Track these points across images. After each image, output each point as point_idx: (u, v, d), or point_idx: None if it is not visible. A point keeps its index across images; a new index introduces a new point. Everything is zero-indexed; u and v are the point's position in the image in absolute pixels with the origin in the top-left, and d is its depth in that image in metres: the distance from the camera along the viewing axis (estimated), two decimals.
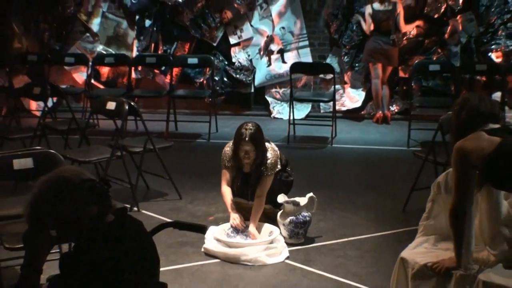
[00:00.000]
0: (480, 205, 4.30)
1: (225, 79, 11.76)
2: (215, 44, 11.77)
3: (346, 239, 6.47)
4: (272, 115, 11.56)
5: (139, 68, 11.64)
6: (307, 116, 11.31)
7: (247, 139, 6.18)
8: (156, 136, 8.07)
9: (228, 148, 6.46)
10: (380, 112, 10.98)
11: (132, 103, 7.63)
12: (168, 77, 11.27)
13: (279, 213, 6.36)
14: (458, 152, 4.18)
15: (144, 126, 7.55)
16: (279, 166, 6.48)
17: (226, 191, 6.42)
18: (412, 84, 10.82)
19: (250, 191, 6.50)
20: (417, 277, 4.41)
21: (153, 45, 11.90)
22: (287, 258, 6.01)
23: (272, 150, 6.42)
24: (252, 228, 6.20)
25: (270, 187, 6.40)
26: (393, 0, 10.78)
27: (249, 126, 6.28)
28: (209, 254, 6.07)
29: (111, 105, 7.46)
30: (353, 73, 11.52)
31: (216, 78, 11.48)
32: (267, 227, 6.31)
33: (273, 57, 11.67)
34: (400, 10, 10.76)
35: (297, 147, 9.45)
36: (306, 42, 11.66)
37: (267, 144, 6.45)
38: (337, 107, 10.65)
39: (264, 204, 6.34)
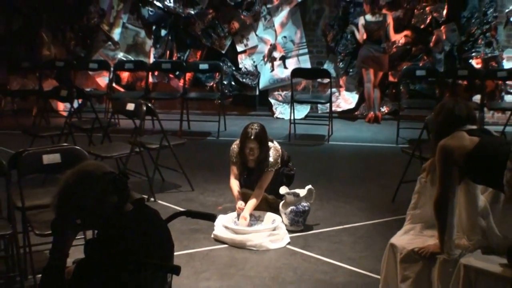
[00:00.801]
0: (459, 198, 4.31)
1: (232, 83, 11.74)
2: (223, 52, 11.75)
3: (341, 227, 6.47)
4: (275, 115, 11.55)
5: (156, 73, 11.63)
6: (306, 116, 11.29)
7: (252, 137, 6.22)
8: (170, 134, 8.06)
9: (235, 146, 6.49)
10: (372, 112, 10.97)
11: (149, 105, 7.62)
12: (182, 81, 11.28)
13: (281, 203, 6.36)
14: (442, 150, 4.20)
15: (160, 125, 7.57)
16: (279, 164, 6.49)
17: (234, 184, 6.46)
18: (401, 88, 10.80)
19: (254, 183, 6.53)
20: (405, 261, 4.43)
21: (168, 52, 11.89)
22: (288, 243, 6.01)
23: (274, 150, 6.44)
24: (245, 212, 6.22)
25: (273, 180, 6.44)
26: (383, 12, 10.79)
27: (255, 126, 6.32)
28: (218, 240, 6.08)
29: (130, 106, 7.47)
30: (348, 78, 11.51)
31: (225, 82, 11.48)
32: (270, 215, 6.31)
33: (276, 63, 11.66)
34: (390, 21, 10.75)
35: (297, 144, 9.43)
36: (306, 50, 11.64)
37: (270, 143, 6.47)
38: (333, 108, 10.66)
39: (261, 196, 6.36)
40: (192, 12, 11.61)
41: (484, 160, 4.05)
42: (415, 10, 11.10)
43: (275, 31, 11.59)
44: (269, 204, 6.49)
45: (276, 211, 6.40)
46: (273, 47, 11.64)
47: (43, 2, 11.86)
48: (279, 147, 6.56)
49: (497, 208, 4.25)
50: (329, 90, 10.58)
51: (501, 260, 3.96)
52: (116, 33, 11.90)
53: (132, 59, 11.73)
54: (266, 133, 6.41)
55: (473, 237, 4.27)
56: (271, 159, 6.37)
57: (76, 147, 5.45)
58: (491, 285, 3.96)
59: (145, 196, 6.80)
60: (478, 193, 4.31)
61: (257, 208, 6.37)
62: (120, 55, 11.85)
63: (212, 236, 6.14)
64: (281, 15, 11.55)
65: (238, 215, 6.29)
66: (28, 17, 11.93)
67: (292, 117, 10.22)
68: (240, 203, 6.30)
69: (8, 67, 11.55)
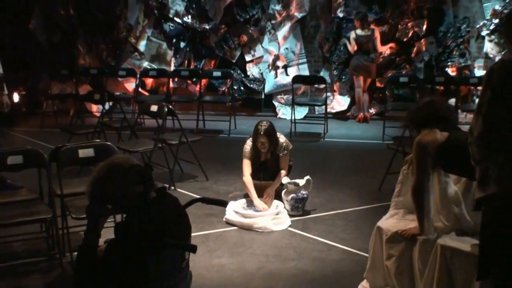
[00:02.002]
0: (433, 186, 4.30)
1: (241, 88, 11.72)
2: (234, 61, 11.73)
3: (334, 212, 6.46)
4: (278, 116, 11.51)
5: (176, 79, 11.61)
6: (305, 117, 11.25)
7: (262, 133, 6.25)
8: (188, 132, 8.06)
9: (247, 146, 6.48)
10: (361, 113, 10.94)
11: (170, 106, 7.62)
12: (198, 86, 11.25)
13: (283, 192, 6.37)
14: (418, 144, 4.21)
15: (179, 124, 7.56)
16: (291, 147, 6.54)
17: (248, 181, 6.37)
18: (386, 92, 10.75)
19: (263, 174, 6.53)
20: (389, 242, 4.43)
21: (186, 61, 11.88)
22: (289, 226, 6.02)
23: (283, 138, 6.50)
24: (271, 189, 6.36)
25: (273, 167, 6.47)
26: (371, 27, 10.76)
27: (264, 123, 6.34)
28: (229, 223, 6.09)
29: (154, 108, 7.48)
30: (341, 84, 11.48)
31: (235, 87, 11.45)
32: (274, 202, 6.32)
33: (279, 71, 11.63)
34: (377, 35, 10.71)
35: (297, 140, 9.40)
36: (304, 60, 11.61)
37: (278, 134, 6.50)
38: (328, 110, 10.62)
39: (284, 175, 6.41)
40: (207, 27, 11.60)
41: (453, 151, 4.05)
42: (399, 26, 11.07)
43: (278, 43, 11.57)
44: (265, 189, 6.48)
45: (279, 198, 6.41)
46: (277, 57, 11.61)
47: (79, 19, 11.87)
48: (285, 138, 6.58)
49: (470, 197, 4.23)
50: (325, 94, 10.56)
51: (473, 241, 3.96)
52: (142, 45, 11.89)
53: (155, 67, 11.72)
54: (274, 129, 6.42)
55: (448, 221, 4.26)
56: (283, 144, 6.44)
57: (107, 143, 5.46)
58: (464, 262, 3.95)
59: (167, 185, 6.82)
60: (449, 181, 4.31)
61: (260, 194, 6.40)
62: (145, 64, 11.84)
63: (224, 219, 6.15)
64: (284, 30, 11.52)
65: (248, 201, 6.33)
66: (67, 31, 11.93)
67: (292, 117, 10.20)
68: (259, 203, 6.24)
69: (50, 74, 11.58)
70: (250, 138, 6.49)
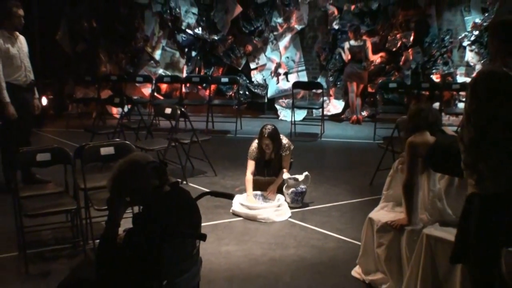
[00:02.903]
0: (423, 183, 4.30)
1: (247, 92, 11.72)
2: (240, 68, 11.73)
3: (331, 204, 6.46)
4: (280, 118, 11.50)
5: (187, 85, 11.61)
6: (304, 119, 11.25)
7: (266, 136, 6.27)
8: (199, 132, 8.06)
9: (253, 147, 6.46)
10: (355, 116, 10.93)
11: (182, 109, 7.63)
12: (207, 91, 11.26)
13: (284, 186, 6.36)
14: (409, 145, 4.21)
15: (190, 125, 7.57)
16: (292, 147, 6.54)
17: (248, 180, 6.40)
18: (377, 97, 10.74)
19: (267, 171, 6.54)
20: (380, 231, 4.43)
21: (197, 69, 11.89)
22: (290, 217, 6.02)
23: (285, 140, 6.49)
24: (273, 186, 6.39)
25: (276, 164, 6.47)
26: (363, 38, 10.76)
27: (268, 127, 6.35)
28: (235, 214, 6.10)
29: (168, 110, 7.48)
30: (336, 89, 11.47)
31: (241, 92, 11.46)
32: (278, 196, 6.32)
33: (280, 77, 11.63)
34: (368, 45, 10.71)
35: (296, 140, 9.37)
36: (303, 67, 11.60)
37: (281, 136, 6.51)
38: (324, 112, 10.60)
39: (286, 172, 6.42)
40: (216, 38, 11.61)
41: (441, 153, 4.07)
42: (389, 37, 11.07)
43: (280, 52, 11.56)
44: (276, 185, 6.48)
45: (280, 191, 6.40)
46: (278, 65, 11.61)
47: (101, 30, 11.88)
48: (287, 140, 6.58)
49: (452, 191, 4.23)
50: (322, 98, 10.57)
51: (454, 231, 3.94)
52: (157, 54, 11.90)
53: (169, 74, 11.71)
54: (278, 132, 6.41)
55: (432, 215, 4.27)
56: (286, 145, 6.43)
57: (126, 142, 5.46)
58: (447, 250, 3.93)
59: (179, 180, 6.82)
60: (436, 180, 4.31)
61: (264, 189, 6.42)
62: (160, 71, 11.84)
63: (231, 211, 6.15)
64: (285, 40, 11.52)
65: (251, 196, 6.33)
66: (90, 42, 11.95)
67: (293, 119, 10.18)
68: (249, 195, 6.31)
69: (74, 80, 11.61)
70: (256, 140, 6.49)
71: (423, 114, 4.30)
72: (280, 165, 6.48)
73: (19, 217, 4.87)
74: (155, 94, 11.44)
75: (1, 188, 6.57)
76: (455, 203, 4.14)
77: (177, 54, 11.93)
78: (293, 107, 10.42)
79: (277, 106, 11.74)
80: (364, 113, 11.22)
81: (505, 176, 3.23)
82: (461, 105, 10.60)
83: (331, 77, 11.44)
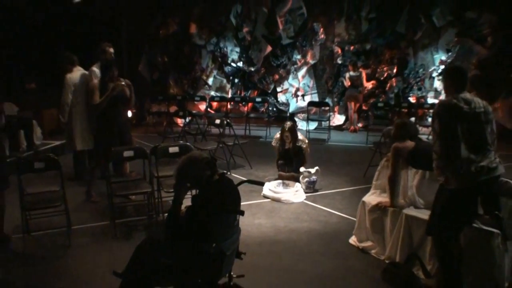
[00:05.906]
0: (403, 178, 4.26)
1: (274, 108, 11.68)
2: (269, 91, 11.71)
3: (334, 190, 6.39)
4: (298, 127, 11.40)
5: (232, 103, 11.61)
6: (315, 128, 11.15)
7: (286, 129, 6.39)
8: (239, 137, 8.05)
9: (276, 137, 6.61)
10: (352, 126, 10.79)
11: (228, 120, 7.63)
12: (246, 107, 11.24)
13: (301, 177, 6.32)
14: (394, 149, 4.21)
15: (233, 132, 7.58)
16: (306, 141, 6.59)
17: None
18: (369, 113, 10.62)
19: (288, 164, 6.50)
20: (370, 211, 4.40)
21: (238, 91, 11.90)
22: (305, 199, 5.98)
23: (301, 136, 6.57)
24: (293, 179, 6.32)
25: (297, 161, 6.43)
26: (360, 70, 10.64)
27: (288, 123, 6.52)
28: (265, 197, 6.06)
29: (217, 121, 7.50)
30: (339, 107, 11.35)
31: (270, 108, 11.43)
32: (296, 184, 6.27)
33: (299, 98, 11.55)
34: (363, 75, 10.59)
35: (310, 144, 9.34)
36: (315, 91, 11.49)
37: (298, 133, 6.58)
38: (330, 124, 10.49)
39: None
40: (252, 69, 11.60)
41: (419, 155, 4.04)
42: (378, 69, 10.93)
43: (299, 80, 11.49)
44: (295, 178, 6.39)
45: (298, 181, 6.35)
46: (297, 89, 11.54)
47: (170, 63, 11.97)
48: (303, 136, 6.64)
49: (424, 184, 4.17)
50: (329, 113, 10.46)
51: (425, 212, 3.90)
52: (210, 81, 11.93)
53: (219, 95, 11.76)
54: (295, 127, 6.54)
55: (406, 201, 4.24)
56: (301, 138, 6.52)
57: (187, 143, 5.49)
58: (420, 225, 3.92)
59: (225, 171, 6.81)
60: (411, 175, 4.26)
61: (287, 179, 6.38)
62: (212, 93, 11.88)
63: (262, 194, 6.11)
64: (302, 71, 11.44)
65: (277, 183, 6.26)
66: (162, 71, 12.05)
67: (307, 128, 10.12)
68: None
69: (151, 99, 11.71)
70: (278, 133, 6.60)
71: (407, 127, 4.29)
72: (297, 160, 6.43)
73: (111, 196, 4.94)
74: (208, 109, 11.48)
75: (72, 177, 6.56)
76: (427, 193, 4.09)
77: (224, 80, 11.95)
78: (308, 119, 10.34)
79: (296, 119, 11.66)
80: (360, 125, 11.08)
81: (464, 177, 3.27)
82: (430, 119, 10.43)
83: (335, 98, 11.33)
